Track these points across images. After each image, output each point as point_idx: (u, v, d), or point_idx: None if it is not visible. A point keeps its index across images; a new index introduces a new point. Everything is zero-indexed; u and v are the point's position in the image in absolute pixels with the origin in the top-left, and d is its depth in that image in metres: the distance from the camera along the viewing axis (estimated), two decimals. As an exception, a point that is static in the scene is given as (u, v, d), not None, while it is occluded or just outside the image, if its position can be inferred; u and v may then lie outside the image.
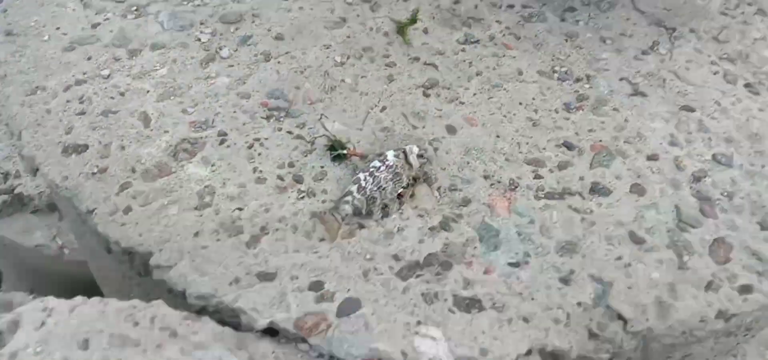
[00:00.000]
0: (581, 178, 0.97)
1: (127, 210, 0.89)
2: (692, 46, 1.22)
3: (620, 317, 0.81)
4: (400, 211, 0.91)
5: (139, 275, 0.89)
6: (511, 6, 1.29)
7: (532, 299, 0.82)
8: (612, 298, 0.83)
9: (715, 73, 1.16)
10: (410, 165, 0.94)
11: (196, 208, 0.89)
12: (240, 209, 0.89)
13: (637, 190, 0.96)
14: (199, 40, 1.16)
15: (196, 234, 0.86)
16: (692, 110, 1.09)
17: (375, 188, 0.90)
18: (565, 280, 0.84)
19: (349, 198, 0.89)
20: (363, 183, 0.91)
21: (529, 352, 0.78)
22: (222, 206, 0.90)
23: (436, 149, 1.00)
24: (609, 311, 0.82)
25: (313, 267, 0.83)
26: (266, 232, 0.87)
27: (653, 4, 1.31)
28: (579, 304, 0.82)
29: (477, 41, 1.20)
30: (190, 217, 0.88)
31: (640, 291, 0.84)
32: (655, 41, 1.23)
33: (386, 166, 0.93)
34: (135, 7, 1.21)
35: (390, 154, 0.94)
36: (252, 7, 1.23)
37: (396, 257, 0.85)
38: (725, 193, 0.96)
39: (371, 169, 0.92)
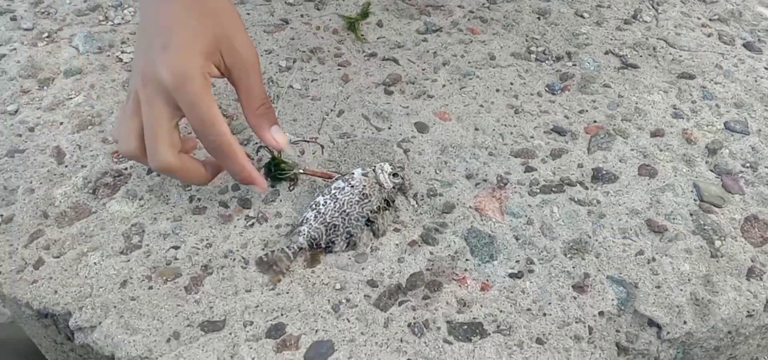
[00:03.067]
0: (580, 166, 0.83)
1: (39, 263, 0.73)
2: (678, 10, 1.10)
3: (652, 323, 0.67)
4: (368, 242, 0.75)
5: (68, 340, 0.73)
6: (472, -11, 1.16)
7: (544, 315, 0.67)
8: (639, 302, 0.68)
9: (708, 36, 1.04)
10: (381, 185, 0.78)
11: (122, 252, 0.73)
12: (176, 248, 0.73)
13: (647, 171, 0.82)
14: (121, 60, 1.00)
15: (124, 283, 0.70)
16: (692, 77, 0.96)
17: (337, 214, 0.74)
18: (579, 287, 0.69)
19: (303, 228, 0.73)
20: (322, 208, 0.75)
21: (549, 382, 0.62)
22: (154, 246, 0.73)
23: (406, 151, 0.84)
24: (638, 318, 0.67)
25: (270, 307, 0.67)
26: (210, 271, 0.71)
27: (628, -28, 1.19)
28: (601, 313, 0.67)
29: (439, 29, 1.06)
30: (116, 263, 0.72)
31: (672, 289, 0.69)
32: (637, 9, 1.10)
33: (351, 187, 0.77)
34: (46, 34, 1.05)
35: (357, 173, 0.78)
36: (181, 18, 1.07)
37: (372, 283, 0.70)
38: (747, 164, 0.83)
39: (334, 191, 0.76)
